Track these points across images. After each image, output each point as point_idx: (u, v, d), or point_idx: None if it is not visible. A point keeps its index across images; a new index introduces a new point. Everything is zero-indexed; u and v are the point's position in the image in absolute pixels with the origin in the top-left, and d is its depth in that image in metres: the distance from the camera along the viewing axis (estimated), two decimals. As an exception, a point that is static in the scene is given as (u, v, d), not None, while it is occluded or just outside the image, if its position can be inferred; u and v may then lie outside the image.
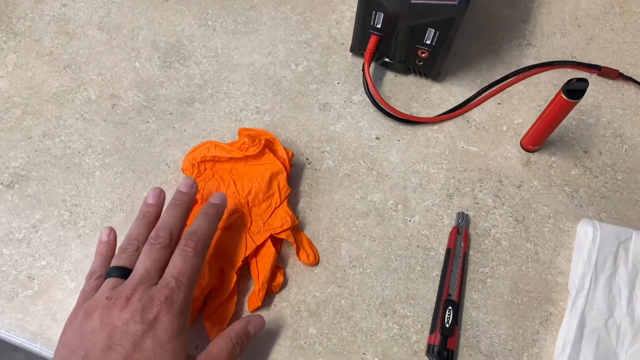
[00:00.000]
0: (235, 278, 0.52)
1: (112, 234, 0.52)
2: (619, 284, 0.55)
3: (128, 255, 0.47)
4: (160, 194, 0.52)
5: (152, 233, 0.47)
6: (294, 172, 0.61)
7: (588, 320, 0.53)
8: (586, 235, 0.57)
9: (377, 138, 0.64)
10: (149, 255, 0.46)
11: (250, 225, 0.55)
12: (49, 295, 0.54)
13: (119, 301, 0.42)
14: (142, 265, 0.45)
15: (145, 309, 0.42)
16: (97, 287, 0.46)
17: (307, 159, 0.62)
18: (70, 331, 0.43)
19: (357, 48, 0.66)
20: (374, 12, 0.60)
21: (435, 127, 0.65)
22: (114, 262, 0.47)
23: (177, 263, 0.45)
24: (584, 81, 0.52)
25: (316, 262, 0.56)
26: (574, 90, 0.53)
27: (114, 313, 0.42)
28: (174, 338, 0.42)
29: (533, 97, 0.67)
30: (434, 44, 0.60)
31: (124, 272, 0.46)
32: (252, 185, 0.56)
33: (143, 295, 0.43)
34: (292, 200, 0.59)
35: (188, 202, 0.51)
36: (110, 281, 0.45)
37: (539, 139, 0.61)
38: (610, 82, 0.68)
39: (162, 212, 0.50)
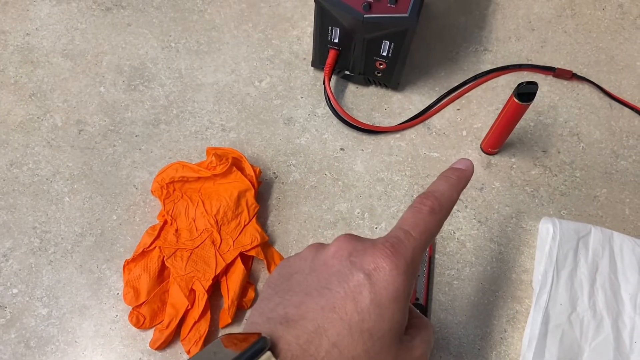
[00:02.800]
0: (206, 297, 0.53)
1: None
2: (580, 278, 0.57)
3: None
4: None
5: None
6: (262, 187, 0.62)
7: (552, 316, 0.55)
8: (547, 232, 0.59)
9: (342, 149, 0.65)
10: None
11: (220, 244, 0.56)
12: (22, 323, 0.54)
13: (342, 258, 0.34)
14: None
15: (365, 251, 0.33)
16: None
17: (274, 173, 0.63)
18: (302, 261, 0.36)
19: (318, 62, 0.68)
20: (330, 27, 0.61)
21: (398, 135, 0.66)
22: None
23: (407, 217, 0.36)
24: (534, 84, 0.54)
25: (287, 275, 0.57)
26: (525, 94, 0.55)
27: (328, 251, 0.35)
28: (395, 301, 0.32)
29: (491, 101, 0.69)
30: (390, 55, 0.62)
31: None
32: (220, 204, 0.57)
33: (367, 246, 0.34)
34: (262, 214, 0.60)
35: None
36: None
37: (497, 142, 0.63)
38: (565, 82, 0.71)
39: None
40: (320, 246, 0.36)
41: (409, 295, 0.34)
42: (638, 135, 0.67)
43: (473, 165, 0.42)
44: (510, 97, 0.56)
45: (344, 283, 0.32)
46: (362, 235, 0.58)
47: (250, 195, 0.58)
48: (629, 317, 0.56)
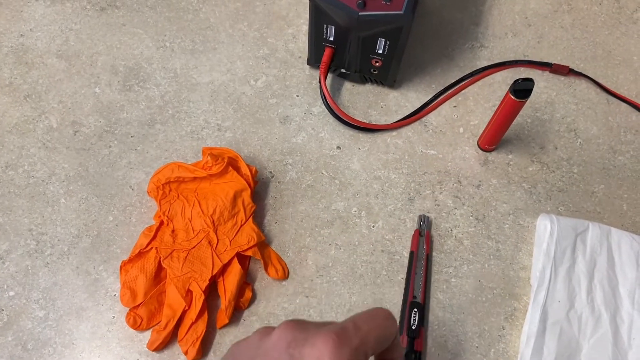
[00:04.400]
0: (203, 297, 0.53)
1: None
2: (578, 275, 0.57)
3: None
4: None
5: None
6: (259, 186, 0.62)
7: (550, 313, 0.55)
8: (545, 229, 0.59)
9: (338, 147, 0.65)
10: None
11: (217, 244, 0.56)
12: (19, 326, 0.54)
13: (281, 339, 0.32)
14: None
15: (306, 342, 0.31)
16: None
17: (271, 172, 0.63)
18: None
19: (314, 61, 0.67)
20: (325, 25, 0.61)
21: (394, 133, 0.66)
22: None
23: (360, 314, 0.34)
24: (530, 81, 0.54)
25: (285, 276, 0.57)
26: (521, 90, 0.55)
27: (270, 339, 0.32)
28: None
29: (488, 97, 0.68)
30: (386, 52, 0.62)
31: None
32: (216, 204, 0.57)
33: (309, 328, 0.32)
34: (258, 214, 0.60)
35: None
36: None
37: (494, 139, 0.63)
38: (562, 78, 0.70)
39: None
40: (265, 332, 0.33)
41: None
42: (635, 131, 0.67)
43: None
44: (507, 94, 0.56)
45: None
46: (359, 235, 0.58)
47: (246, 195, 0.58)
48: (627, 312, 0.56)
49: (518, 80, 0.54)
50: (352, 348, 0.30)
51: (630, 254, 0.58)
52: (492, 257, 0.59)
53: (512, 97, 0.55)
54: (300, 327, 0.32)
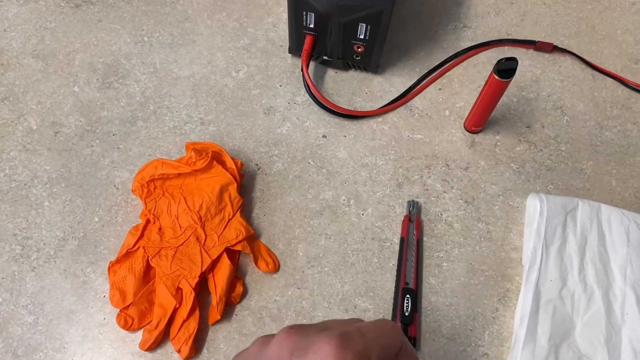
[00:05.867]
0: (193, 295, 0.52)
1: None
2: (570, 253, 0.57)
3: None
4: None
5: None
6: (245, 180, 0.61)
7: (543, 292, 0.55)
8: (535, 209, 0.59)
9: (324, 136, 0.64)
10: None
11: (205, 240, 0.55)
12: (8, 332, 0.53)
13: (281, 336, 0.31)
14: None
15: (308, 349, 0.30)
16: None
17: (257, 164, 0.62)
18: None
19: (295, 49, 0.66)
20: (304, 12, 0.60)
21: (380, 119, 0.65)
22: None
23: (366, 322, 0.33)
24: (513, 60, 0.53)
25: (276, 269, 0.57)
26: (505, 70, 0.54)
27: (270, 348, 0.31)
28: None
29: (473, 78, 0.68)
30: (367, 37, 0.61)
31: None
32: (202, 200, 0.56)
33: (309, 333, 0.31)
34: (246, 208, 0.60)
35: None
36: None
37: (480, 120, 0.62)
38: (547, 55, 0.70)
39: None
40: (265, 342, 0.32)
41: None
42: (622, 105, 0.67)
43: None
44: (491, 74, 0.55)
45: None
46: (349, 223, 0.58)
47: (232, 189, 0.57)
48: (619, 288, 0.56)
49: (501, 60, 0.53)
50: (355, 352, 0.29)
51: (620, 229, 0.58)
52: (482, 239, 0.59)
53: (496, 77, 0.54)
54: (301, 333, 0.31)
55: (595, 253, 0.57)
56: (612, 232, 0.58)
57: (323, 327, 0.31)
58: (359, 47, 0.63)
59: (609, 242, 0.58)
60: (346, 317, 0.54)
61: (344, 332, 0.30)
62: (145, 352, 0.52)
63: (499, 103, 0.64)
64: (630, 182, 0.62)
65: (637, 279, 0.56)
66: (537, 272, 0.55)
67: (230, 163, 0.58)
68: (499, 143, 0.64)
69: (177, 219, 0.56)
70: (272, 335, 0.32)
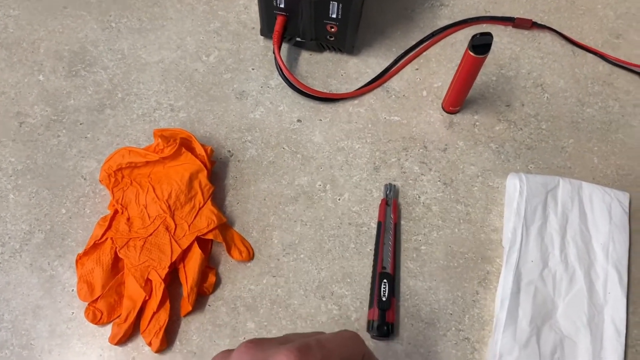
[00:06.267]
0: (163, 286, 0.51)
1: None
2: (551, 232, 0.56)
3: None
4: None
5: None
6: (217, 167, 0.59)
7: (524, 273, 0.54)
8: (515, 188, 0.57)
9: (299, 120, 0.62)
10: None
11: (175, 229, 0.53)
12: (-27, 331, 0.51)
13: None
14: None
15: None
16: None
17: (229, 151, 0.60)
18: None
19: (267, 31, 0.64)
20: (273, -8, 0.58)
21: (356, 101, 0.63)
22: None
23: (325, 334, 0.33)
24: (488, 35, 0.52)
25: (250, 257, 0.55)
26: (480, 46, 0.52)
27: None
28: None
29: (450, 57, 0.66)
30: (340, 17, 0.59)
31: None
32: (172, 188, 0.54)
33: (269, 347, 0.31)
34: (218, 196, 0.58)
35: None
36: None
37: (458, 100, 0.60)
38: (526, 32, 0.68)
39: None
40: (224, 356, 0.32)
41: None
42: (603, 81, 0.65)
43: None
44: (466, 51, 0.53)
45: None
46: (325, 209, 0.56)
47: (203, 176, 0.55)
48: (601, 267, 0.54)
49: (476, 35, 0.52)
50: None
51: (602, 207, 0.57)
52: (462, 221, 0.57)
53: (472, 53, 0.53)
54: (260, 347, 0.30)
55: (577, 232, 0.56)
56: (594, 210, 0.57)
57: (283, 341, 0.31)
58: (332, 27, 0.61)
59: (591, 221, 0.56)
60: (322, 305, 0.53)
61: (303, 344, 0.30)
62: (116, 346, 0.51)
63: (477, 82, 0.63)
64: (612, 159, 0.61)
65: (619, 257, 0.55)
66: (518, 253, 0.54)
67: (200, 150, 0.56)
68: (477, 123, 0.62)
69: (146, 208, 0.54)
70: (232, 350, 0.31)
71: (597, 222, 0.56)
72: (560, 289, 0.54)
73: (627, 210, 0.57)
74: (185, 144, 0.56)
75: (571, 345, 0.51)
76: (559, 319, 0.52)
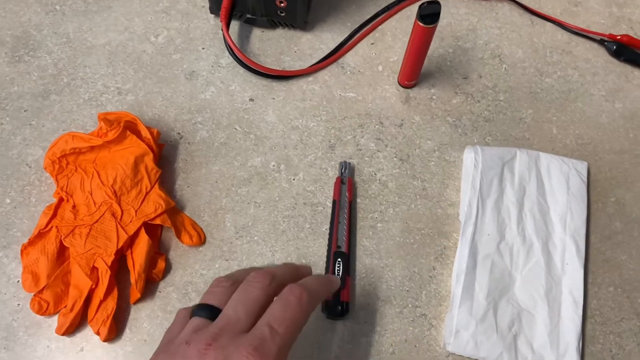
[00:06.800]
0: (109, 273, 0.49)
1: None
2: (507, 205, 0.55)
3: (220, 291, 0.38)
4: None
5: (252, 272, 0.39)
6: (166, 149, 0.57)
7: (480, 247, 0.53)
8: (471, 162, 0.56)
9: (251, 99, 0.61)
10: (242, 295, 0.37)
11: (122, 215, 0.52)
12: None
13: (198, 346, 0.34)
14: (232, 306, 0.36)
15: (228, 359, 0.33)
16: (183, 325, 0.38)
17: (179, 133, 0.59)
18: None
19: (216, 9, 0.62)
20: (217, -34, 0.56)
21: (310, 78, 0.62)
22: (203, 299, 0.39)
23: (275, 310, 0.36)
24: (436, 3, 0.50)
25: (201, 242, 0.54)
26: (428, 15, 0.51)
27: None
28: None
29: (406, 30, 0.64)
30: (288, -9, 0.57)
31: (211, 312, 0.37)
32: (117, 173, 0.53)
33: (228, 342, 0.34)
34: (168, 179, 0.56)
35: (305, 272, 0.42)
36: (194, 321, 0.37)
37: (412, 74, 0.59)
38: (483, 2, 0.67)
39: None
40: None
41: None
42: (562, 50, 0.64)
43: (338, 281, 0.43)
44: (415, 22, 0.52)
45: None
46: (279, 190, 0.55)
47: (149, 160, 0.54)
48: (559, 238, 0.54)
49: (423, 4, 0.50)
50: (272, 357, 0.33)
51: (559, 177, 0.56)
52: (418, 197, 0.56)
53: (420, 23, 0.51)
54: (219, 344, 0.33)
55: (535, 203, 0.55)
56: (552, 181, 0.56)
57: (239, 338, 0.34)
58: (281, 2, 0.59)
59: (549, 192, 0.56)
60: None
61: (260, 339, 0.34)
62: (63, 337, 0.49)
63: (434, 55, 0.62)
64: (572, 129, 0.60)
65: (577, 228, 0.54)
66: (473, 227, 0.53)
67: (145, 132, 0.54)
68: (434, 97, 0.61)
69: (91, 195, 0.52)
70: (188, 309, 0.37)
71: (554, 193, 0.55)
72: (517, 261, 0.53)
73: (585, 179, 0.56)
74: (131, 127, 0.54)
75: (529, 318, 0.51)
76: (516, 292, 0.52)
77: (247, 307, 0.36)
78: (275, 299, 0.37)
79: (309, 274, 0.42)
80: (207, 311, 0.37)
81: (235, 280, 0.39)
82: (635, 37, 0.64)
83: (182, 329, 0.37)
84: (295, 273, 0.41)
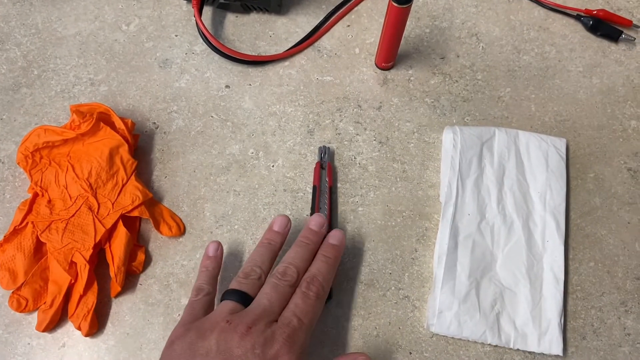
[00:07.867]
0: (88, 267, 0.49)
1: (220, 249, 0.50)
2: (487, 184, 0.55)
3: (251, 282, 0.44)
4: (287, 223, 0.49)
5: (280, 268, 0.45)
6: (142, 140, 0.57)
7: (461, 228, 0.53)
8: (450, 142, 0.56)
9: (227, 86, 0.60)
10: (275, 289, 0.43)
11: (98, 209, 0.51)
12: None
13: (239, 327, 0.39)
14: (267, 297, 0.42)
15: (266, 343, 0.39)
16: (207, 305, 0.45)
17: (154, 123, 0.58)
18: (181, 347, 0.40)
19: (188, -6, 0.61)
20: (186, -50, 0.55)
21: (286, 63, 0.61)
22: (235, 285, 0.44)
23: (299, 303, 0.42)
24: (410, -17, 0.49)
25: (181, 232, 0.53)
26: (402, -5, 0.50)
27: (233, 339, 0.39)
28: None
29: (382, 11, 0.64)
30: (260, -26, 0.56)
31: (243, 298, 0.43)
32: (91, 165, 0.52)
33: (265, 328, 0.40)
34: (144, 171, 0.55)
35: (317, 242, 0.48)
36: (229, 304, 0.43)
37: (389, 55, 0.58)
38: (460, -19, 0.66)
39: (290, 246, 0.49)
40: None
41: None
42: (539, 27, 0.64)
43: (345, 235, 0.49)
44: (389, 3, 0.51)
45: None
46: (259, 177, 0.55)
47: (124, 151, 0.53)
48: (539, 216, 0.54)
49: (396, -16, 0.49)
50: (301, 345, 0.40)
51: (538, 155, 0.56)
52: (398, 179, 0.56)
53: (394, 4, 0.50)
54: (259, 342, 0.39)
55: (514, 182, 0.55)
56: (531, 159, 0.56)
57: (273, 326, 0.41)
58: (253, -14, 0.58)
59: (528, 169, 0.56)
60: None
61: (292, 329, 0.40)
62: (44, 334, 0.49)
63: (411, 35, 0.61)
64: (550, 106, 0.60)
65: (556, 205, 0.54)
66: (454, 208, 0.53)
67: (119, 123, 0.53)
68: (412, 78, 0.61)
69: (67, 189, 0.52)
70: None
71: (534, 171, 0.55)
72: (498, 240, 0.53)
73: (564, 156, 0.56)
74: (104, 119, 0.53)
75: (511, 296, 0.51)
76: (498, 270, 0.52)
77: (280, 299, 0.42)
78: (297, 290, 0.43)
79: (317, 247, 0.48)
80: (240, 297, 0.43)
81: (260, 273, 0.45)
82: (611, 11, 0.64)
83: (207, 308, 0.44)
84: (311, 256, 0.47)
